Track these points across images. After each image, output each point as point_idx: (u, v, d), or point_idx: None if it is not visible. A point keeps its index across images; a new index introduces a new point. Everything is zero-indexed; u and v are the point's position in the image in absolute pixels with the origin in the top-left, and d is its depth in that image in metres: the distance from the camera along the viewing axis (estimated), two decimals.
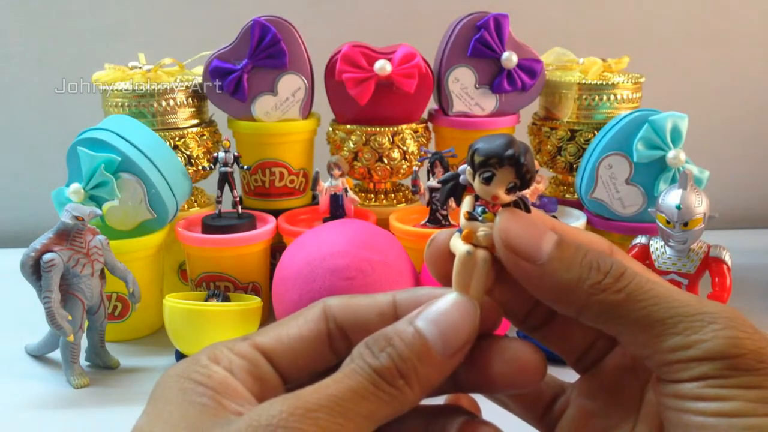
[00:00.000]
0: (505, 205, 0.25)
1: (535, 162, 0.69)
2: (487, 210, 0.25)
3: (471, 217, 0.25)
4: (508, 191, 0.24)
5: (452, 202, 0.26)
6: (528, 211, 0.25)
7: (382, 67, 0.71)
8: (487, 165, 0.24)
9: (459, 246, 0.25)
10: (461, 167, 0.26)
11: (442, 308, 0.24)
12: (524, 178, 0.24)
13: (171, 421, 0.22)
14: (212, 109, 0.77)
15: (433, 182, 0.66)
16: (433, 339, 0.23)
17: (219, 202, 0.69)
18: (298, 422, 0.21)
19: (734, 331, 0.22)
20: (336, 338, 0.26)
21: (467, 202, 0.25)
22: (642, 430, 0.25)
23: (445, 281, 0.26)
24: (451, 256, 0.25)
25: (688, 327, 0.22)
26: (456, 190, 0.26)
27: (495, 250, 0.25)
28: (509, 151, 0.24)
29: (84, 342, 0.61)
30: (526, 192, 0.67)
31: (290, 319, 0.26)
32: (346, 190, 0.69)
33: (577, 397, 0.28)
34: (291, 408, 0.21)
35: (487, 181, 0.24)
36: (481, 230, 0.25)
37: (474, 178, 0.25)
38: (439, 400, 0.27)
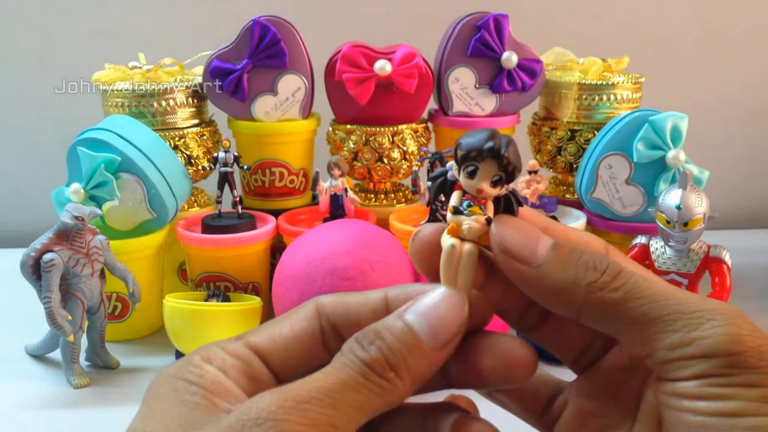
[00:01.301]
0: (495, 200, 0.25)
1: (536, 161, 0.69)
2: (473, 204, 0.25)
3: (456, 211, 0.25)
4: (494, 185, 0.25)
5: None
6: (520, 204, 0.26)
7: (382, 67, 0.71)
8: (469, 159, 0.24)
9: (444, 240, 0.25)
10: (449, 163, 0.26)
11: (430, 301, 0.24)
12: (507, 171, 0.24)
13: (163, 420, 0.22)
14: (212, 109, 0.77)
15: None
16: (422, 331, 0.23)
17: (219, 202, 0.69)
18: (288, 414, 0.21)
19: (734, 328, 0.22)
20: (329, 336, 0.26)
21: (455, 197, 0.26)
22: (640, 429, 0.25)
23: (431, 276, 0.26)
24: (437, 250, 0.25)
25: (688, 324, 0.22)
26: (445, 185, 0.26)
27: (480, 243, 0.25)
28: (489, 144, 0.24)
29: (84, 342, 0.61)
30: (526, 191, 0.67)
31: (283, 318, 0.26)
32: (346, 190, 0.69)
33: (575, 397, 0.27)
34: (280, 400, 0.21)
35: (471, 175, 0.25)
36: (466, 224, 0.25)
37: (459, 173, 0.25)
38: (434, 398, 0.27)
